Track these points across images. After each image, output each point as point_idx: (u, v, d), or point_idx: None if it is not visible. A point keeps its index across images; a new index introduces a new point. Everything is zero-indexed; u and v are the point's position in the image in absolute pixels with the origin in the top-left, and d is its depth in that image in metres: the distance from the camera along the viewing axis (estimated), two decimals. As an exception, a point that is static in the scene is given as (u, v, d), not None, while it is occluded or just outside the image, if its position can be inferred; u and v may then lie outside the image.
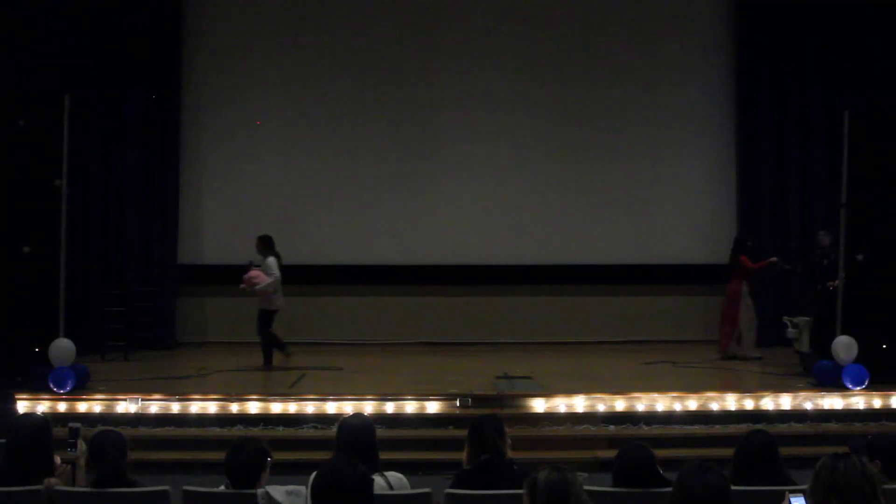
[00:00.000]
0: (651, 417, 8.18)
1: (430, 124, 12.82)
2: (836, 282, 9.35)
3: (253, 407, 8.33)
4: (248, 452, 4.15)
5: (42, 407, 8.20)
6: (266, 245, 10.39)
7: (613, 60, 12.86)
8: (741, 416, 8.21)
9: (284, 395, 8.49)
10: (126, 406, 8.24)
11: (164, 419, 8.14)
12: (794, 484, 4.23)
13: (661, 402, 8.34)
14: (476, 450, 4.41)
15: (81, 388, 8.66)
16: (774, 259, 11.11)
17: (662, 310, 12.56)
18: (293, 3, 12.88)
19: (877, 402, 8.48)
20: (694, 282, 12.63)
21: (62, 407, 8.30)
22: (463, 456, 4.53)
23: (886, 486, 3.57)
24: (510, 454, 4.47)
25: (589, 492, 3.53)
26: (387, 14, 12.82)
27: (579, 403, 8.32)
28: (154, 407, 8.27)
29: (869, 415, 8.35)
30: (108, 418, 7.95)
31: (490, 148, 12.77)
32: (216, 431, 7.95)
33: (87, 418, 7.84)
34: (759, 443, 4.35)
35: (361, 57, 12.76)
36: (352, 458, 3.53)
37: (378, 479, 4.05)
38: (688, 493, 3.16)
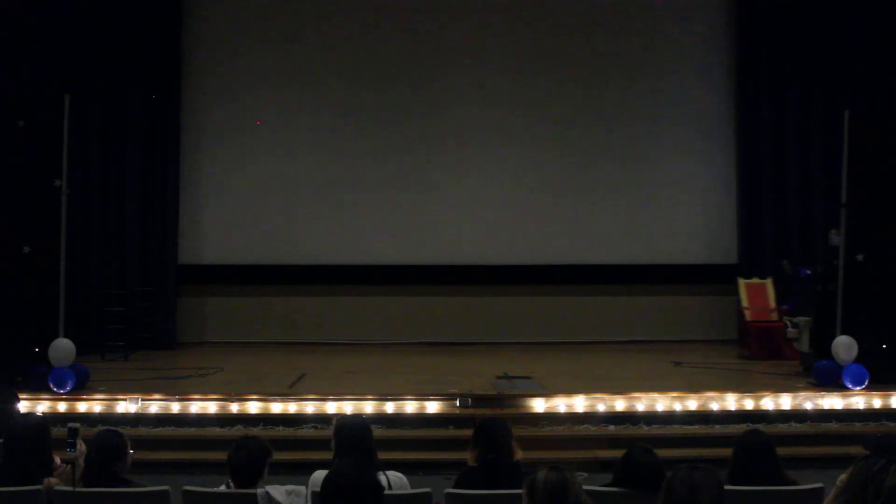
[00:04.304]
0: (651, 417, 8.18)
1: (429, 124, 12.82)
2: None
3: (253, 407, 8.33)
4: (251, 449, 4.17)
5: (42, 407, 8.21)
6: None
7: (613, 60, 12.87)
8: (741, 416, 8.21)
9: (284, 395, 8.49)
10: (126, 406, 8.24)
11: (164, 419, 8.14)
12: (794, 484, 4.23)
13: (661, 402, 8.34)
14: (478, 452, 4.40)
15: (81, 388, 8.66)
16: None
17: (662, 310, 12.56)
18: (293, 3, 12.88)
19: (877, 402, 8.48)
20: (694, 282, 12.64)
21: (62, 407, 8.31)
22: (467, 457, 4.52)
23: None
24: (519, 454, 4.46)
25: (589, 492, 3.53)
26: (386, 14, 12.83)
27: (579, 403, 8.32)
28: (154, 407, 8.27)
29: (869, 415, 8.35)
30: (108, 418, 7.95)
31: (490, 148, 12.78)
32: (216, 431, 7.95)
33: (87, 418, 7.87)
34: (756, 443, 4.34)
35: (361, 57, 12.76)
36: (355, 459, 3.53)
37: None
38: (677, 492, 3.13)
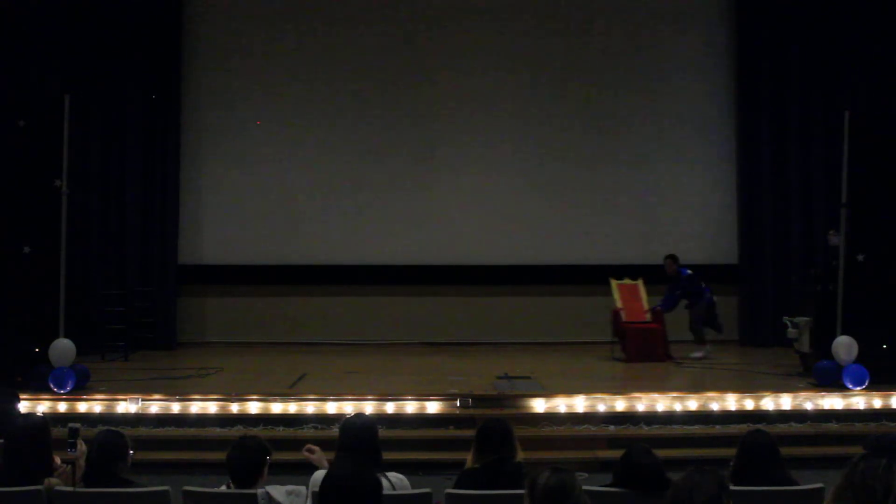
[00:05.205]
0: (651, 417, 8.17)
1: (430, 124, 12.82)
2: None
3: (253, 407, 8.33)
4: (250, 449, 4.17)
5: (42, 407, 8.20)
6: None
7: (613, 60, 12.87)
8: (741, 416, 8.21)
9: (284, 396, 8.49)
10: (126, 406, 8.24)
11: (164, 419, 8.14)
12: (796, 484, 4.24)
13: (661, 402, 8.34)
14: (481, 453, 4.41)
15: (81, 389, 8.65)
16: None
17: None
18: (293, 3, 12.88)
19: (877, 402, 8.47)
20: (694, 282, 12.64)
21: (62, 407, 8.31)
22: (468, 458, 4.52)
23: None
24: (521, 455, 4.46)
25: (589, 492, 3.53)
26: (386, 14, 12.83)
27: (579, 403, 8.32)
28: (154, 407, 8.27)
29: (869, 415, 8.35)
30: (108, 418, 7.95)
31: (490, 148, 12.79)
32: (216, 431, 7.95)
33: (87, 418, 7.86)
34: (760, 443, 4.34)
35: (361, 57, 12.77)
36: (357, 459, 3.53)
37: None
38: (679, 492, 3.14)
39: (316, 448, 4.56)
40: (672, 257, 11.41)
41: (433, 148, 12.83)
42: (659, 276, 12.45)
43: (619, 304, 11.31)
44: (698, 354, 11.00)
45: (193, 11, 12.72)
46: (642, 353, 10.88)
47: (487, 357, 11.11)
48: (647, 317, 11.21)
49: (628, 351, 11.01)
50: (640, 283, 11.49)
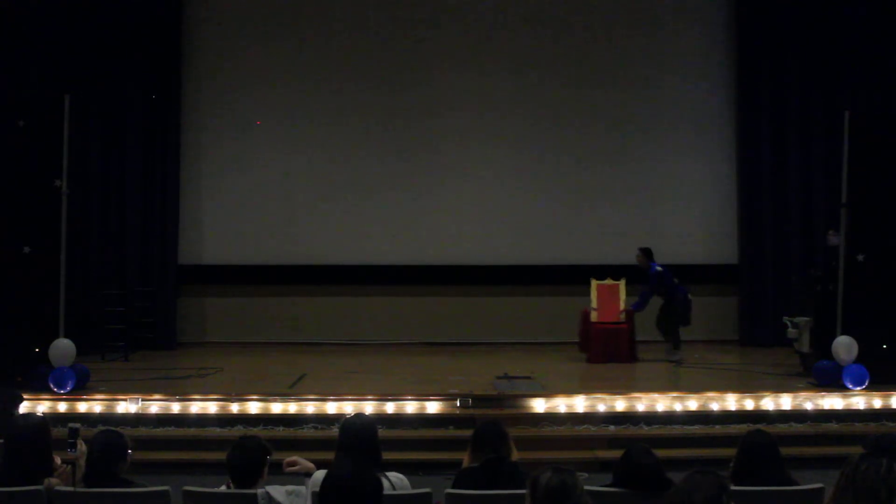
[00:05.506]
0: (651, 417, 8.18)
1: (430, 124, 12.82)
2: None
3: (253, 407, 8.33)
4: (250, 449, 4.17)
5: (42, 407, 8.21)
6: None
7: (613, 60, 12.87)
8: (741, 416, 8.21)
9: (284, 396, 8.49)
10: (126, 406, 8.24)
11: (164, 419, 8.14)
12: (796, 484, 4.24)
13: (661, 402, 8.34)
14: (478, 453, 4.42)
15: (81, 389, 8.66)
16: None
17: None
18: (292, 3, 12.89)
19: (877, 402, 8.48)
20: (694, 282, 12.59)
21: (62, 407, 8.31)
22: (464, 458, 4.53)
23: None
24: (516, 455, 4.48)
25: (588, 492, 3.53)
26: (386, 14, 12.83)
27: (579, 403, 8.32)
28: (154, 407, 8.27)
29: (869, 415, 8.35)
30: (108, 419, 7.95)
31: (490, 148, 12.79)
32: (216, 431, 7.95)
33: (87, 418, 7.87)
34: (760, 443, 4.34)
35: (361, 57, 12.77)
36: (357, 459, 3.53)
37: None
38: (679, 493, 3.15)
39: (295, 459, 4.54)
40: (644, 250, 11.19)
41: (433, 148, 12.83)
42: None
43: (594, 303, 11.25)
44: (676, 357, 10.91)
45: (193, 12, 12.71)
46: (606, 354, 10.84)
47: (487, 357, 11.11)
48: (622, 317, 11.14)
49: (591, 351, 10.96)
50: (621, 283, 11.39)
